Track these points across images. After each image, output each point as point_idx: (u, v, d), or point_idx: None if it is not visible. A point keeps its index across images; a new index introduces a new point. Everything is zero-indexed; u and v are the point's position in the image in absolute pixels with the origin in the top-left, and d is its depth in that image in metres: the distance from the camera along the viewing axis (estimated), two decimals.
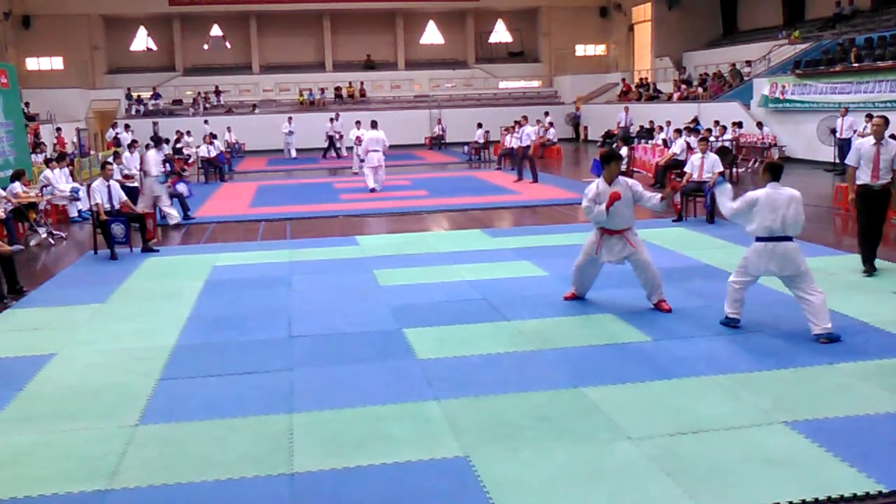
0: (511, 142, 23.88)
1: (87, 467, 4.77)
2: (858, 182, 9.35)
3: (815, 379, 5.92)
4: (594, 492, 4.33)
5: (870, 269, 9.12)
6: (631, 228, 7.91)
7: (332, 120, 30.82)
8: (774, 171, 6.99)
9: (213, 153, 23.34)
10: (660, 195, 8.00)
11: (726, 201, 7.15)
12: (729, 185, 7.45)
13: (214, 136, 24.95)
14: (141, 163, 15.90)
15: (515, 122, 28.36)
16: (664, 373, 6.11)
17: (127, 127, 30.88)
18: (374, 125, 19.63)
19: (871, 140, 9.27)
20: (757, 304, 7.95)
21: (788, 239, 6.83)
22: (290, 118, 31.66)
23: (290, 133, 30.77)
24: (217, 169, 23.40)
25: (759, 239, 6.91)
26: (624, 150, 16.75)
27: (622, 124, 29.81)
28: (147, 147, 15.43)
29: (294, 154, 30.70)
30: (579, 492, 4.33)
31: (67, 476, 4.66)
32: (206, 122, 30.81)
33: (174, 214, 14.54)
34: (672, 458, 4.66)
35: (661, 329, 7.21)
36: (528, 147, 20.37)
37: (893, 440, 4.85)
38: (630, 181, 7.93)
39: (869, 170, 9.18)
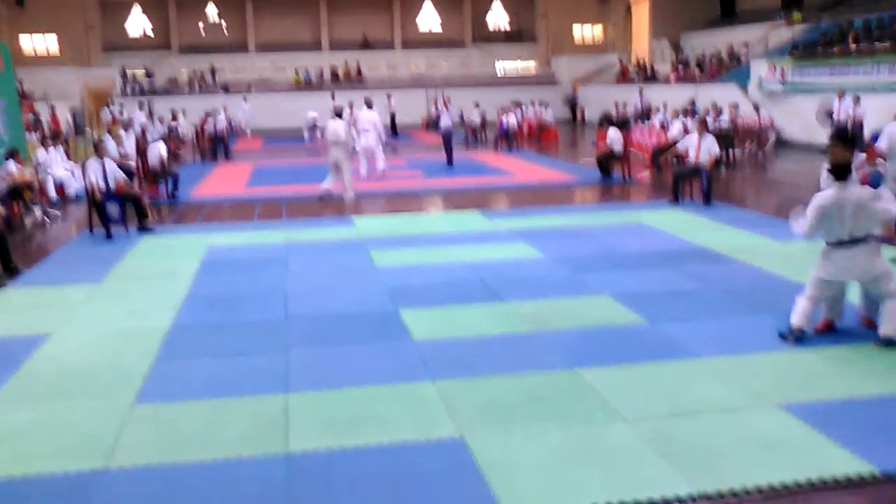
0: (506, 123, 23.94)
1: (83, 446, 4.77)
2: None
3: (811, 362, 5.93)
4: (589, 473, 4.34)
5: None
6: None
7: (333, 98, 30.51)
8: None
9: (222, 125, 23.57)
10: None
11: None
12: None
13: (209, 115, 24.92)
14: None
15: (512, 102, 28.45)
16: (659, 355, 6.13)
17: (122, 106, 30.76)
18: (368, 105, 17.93)
19: None
20: (756, 287, 7.98)
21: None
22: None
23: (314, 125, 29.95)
24: (224, 146, 23.52)
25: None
26: (612, 132, 16.60)
27: (638, 106, 28.64)
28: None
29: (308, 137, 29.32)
30: (574, 473, 4.35)
31: (64, 454, 4.67)
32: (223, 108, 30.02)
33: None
34: (667, 440, 4.68)
35: (657, 311, 7.22)
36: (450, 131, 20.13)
37: (888, 423, 4.87)
38: None
39: None
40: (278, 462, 4.55)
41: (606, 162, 16.62)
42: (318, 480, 4.34)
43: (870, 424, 4.85)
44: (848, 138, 6.74)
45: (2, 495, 4.25)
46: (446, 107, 21.15)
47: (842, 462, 4.37)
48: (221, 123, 23.86)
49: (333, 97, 30.79)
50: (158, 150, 15.52)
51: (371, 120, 17.39)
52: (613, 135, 16.60)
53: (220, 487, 4.29)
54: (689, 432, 4.79)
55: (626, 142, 18.38)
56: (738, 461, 4.41)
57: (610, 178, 16.41)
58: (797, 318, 6.34)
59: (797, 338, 6.32)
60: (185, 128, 26.68)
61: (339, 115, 15.24)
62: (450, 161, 19.69)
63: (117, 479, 4.41)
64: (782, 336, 6.39)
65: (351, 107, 22.84)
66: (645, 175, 15.61)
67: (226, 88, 36.81)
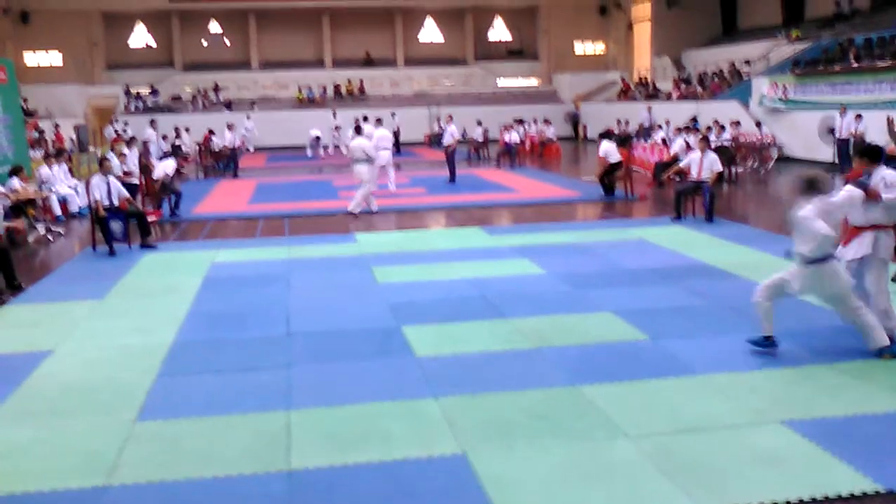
0: (507, 139, 24.04)
1: (85, 463, 4.77)
2: None
3: (813, 378, 5.92)
4: (591, 490, 4.33)
5: None
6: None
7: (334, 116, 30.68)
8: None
9: (237, 142, 23.77)
10: None
11: None
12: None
13: (230, 127, 25.15)
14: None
15: (515, 120, 28.55)
16: (661, 371, 6.12)
17: (126, 124, 30.88)
18: (379, 122, 19.02)
19: None
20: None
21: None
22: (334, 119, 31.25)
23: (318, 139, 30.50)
24: (232, 162, 23.78)
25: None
26: (604, 144, 16.60)
27: (645, 125, 28.32)
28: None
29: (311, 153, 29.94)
30: (576, 490, 4.34)
31: (65, 472, 4.66)
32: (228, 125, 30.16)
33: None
34: (669, 457, 4.67)
35: (659, 328, 7.21)
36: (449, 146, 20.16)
37: (891, 439, 4.85)
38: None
39: None
40: (280, 479, 4.54)
41: (608, 178, 16.63)
42: (320, 497, 4.33)
43: (873, 441, 4.83)
44: (875, 152, 6.74)
45: None
46: (449, 123, 21.16)
47: (845, 479, 4.35)
48: (231, 140, 24.02)
49: (335, 115, 30.92)
50: (168, 166, 15.67)
51: (386, 137, 17.66)
52: (607, 147, 16.64)
53: None
54: (691, 449, 4.78)
55: (628, 159, 18.43)
56: (740, 478, 4.40)
57: (612, 196, 16.42)
58: (766, 327, 6.40)
59: (771, 345, 6.38)
60: (189, 145, 26.78)
61: (359, 131, 15.74)
62: (452, 178, 19.77)
63: (119, 495, 4.40)
64: (755, 343, 6.45)
65: (357, 122, 23.00)
66: (645, 193, 15.61)
67: (229, 105, 36.94)
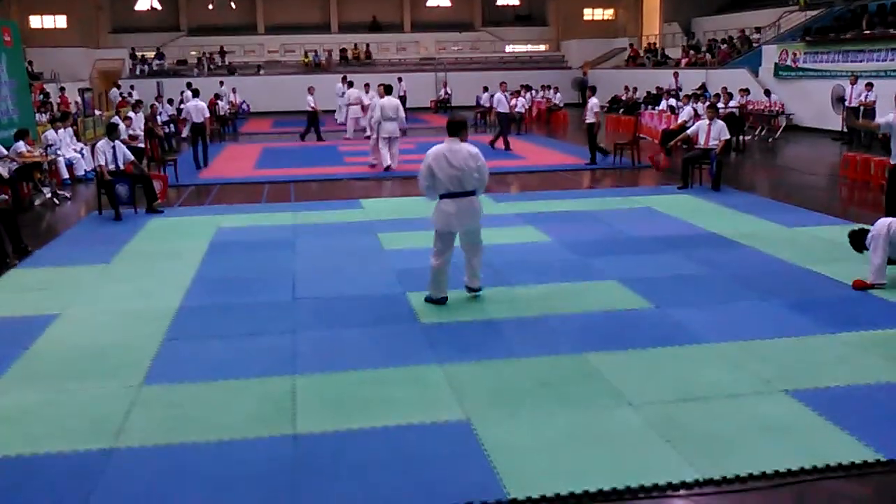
0: (515, 107, 23.80)
1: (92, 426, 4.81)
2: (893, 161, 8.86)
3: (818, 348, 5.92)
4: (594, 457, 4.35)
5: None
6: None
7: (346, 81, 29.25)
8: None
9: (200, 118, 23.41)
10: None
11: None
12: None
13: (219, 97, 24.84)
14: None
15: (522, 86, 28.32)
16: (667, 340, 6.12)
17: (132, 87, 30.70)
18: (387, 90, 16.48)
19: None
20: (764, 273, 7.96)
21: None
22: (349, 82, 26.64)
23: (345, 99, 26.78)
24: (232, 126, 23.52)
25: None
26: (592, 101, 16.72)
27: (672, 90, 26.36)
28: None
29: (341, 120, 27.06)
30: (579, 456, 4.36)
31: (73, 434, 4.70)
32: (221, 83, 30.04)
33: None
34: (673, 425, 4.68)
35: (665, 296, 7.21)
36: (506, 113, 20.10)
37: (893, 410, 4.86)
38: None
39: None
40: (285, 443, 4.57)
41: (592, 142, 16.69)
42: (325, 461, 4.36)
43: (876, 411, 4.85)
44: None
45: (11, 474, 4.29)
46: (503, 91, 20.46)
47: (848, 449, 4.37)
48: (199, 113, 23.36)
49: (345, 80, 30.58)
50: (203, 109, 17.32)
51: (393, 106, 15.92)
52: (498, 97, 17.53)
53: (228, 468, 4.31)
54: (696, 418, 4.79)
55: (636, 127, 18.34)
56: (743, 447, 4.42)
57: (606, 158, 16.60)
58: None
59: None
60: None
61: (388, 91, 16.25)
62: (507, 146, 19.28)
63: (125, 458, 4.43)
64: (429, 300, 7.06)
65: (366, 88, 22.78)
66: (659, 159, 15.52)
67: (231, 70, 36.71)
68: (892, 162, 8.98)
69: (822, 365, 5.59)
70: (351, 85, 23.87)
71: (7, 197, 10.84)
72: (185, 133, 17.72)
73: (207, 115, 18.18)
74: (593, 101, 16.60)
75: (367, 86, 23.23)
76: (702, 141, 13.14)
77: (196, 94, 19.54)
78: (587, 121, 16.61)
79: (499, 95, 20.40)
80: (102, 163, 11.54)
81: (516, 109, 24.10)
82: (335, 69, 36.06)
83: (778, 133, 21.61)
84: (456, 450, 4.46)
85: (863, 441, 4.44)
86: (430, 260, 7.11)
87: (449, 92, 33.96)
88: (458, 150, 6.86)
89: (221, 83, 29.50)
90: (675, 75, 27.99)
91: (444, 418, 4.85)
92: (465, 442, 4.54)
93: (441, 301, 7.08)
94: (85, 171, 15.61)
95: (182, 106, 25.41)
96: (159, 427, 4.79)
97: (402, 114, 15.95)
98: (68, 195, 13.79)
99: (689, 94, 21.12)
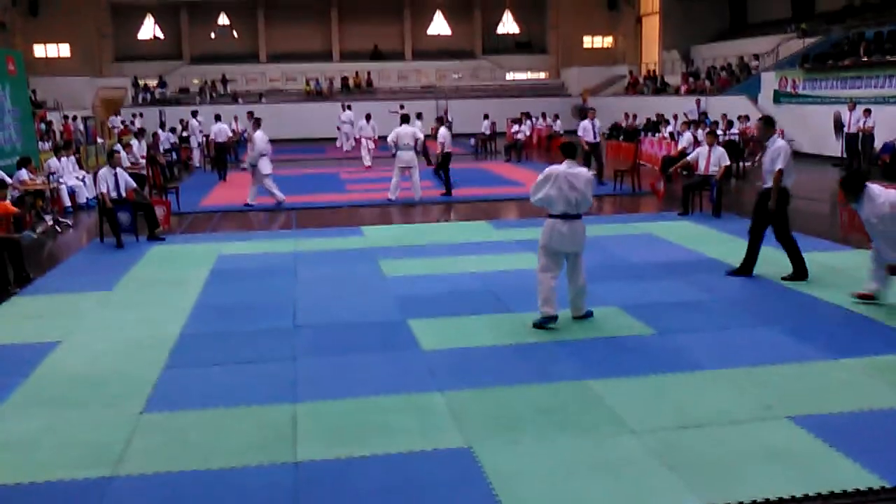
0: (517, 134, 23.91)
1: (92, 454, 4.79)
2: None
3: (820, 374, 5.91)
4: (596, 484, 4.33)
5: None
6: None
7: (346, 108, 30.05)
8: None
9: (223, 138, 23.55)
10: None
11: None
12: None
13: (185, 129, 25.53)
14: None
15: (522, 114, 28.45)
16: (668, 366, 6.11)
17: (135, 115, 30.86)
18: (404, 119, 16.31)
19: None
20: (765, 299, 7.96)
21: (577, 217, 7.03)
22: (347, 105, 29.55)
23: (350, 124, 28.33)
24: (234, 153, 24.09)
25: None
26: (583, 124, 17.07)
27: (692, 117, 24.89)
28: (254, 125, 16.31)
29: (346, 147, 28.22)
30: (581, 484, 4.34)
31: (73, 462, 4.69)
32: (193, 112, 29.94)
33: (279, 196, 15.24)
34: (675, 452, 4.66)
35: (666, 322, 7.20)
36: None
37: None
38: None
39: None
40: (286, 471, 4.55)
41: (587, 161, 16.74)
42: (326, 490, 4.34)
43: (881, 437, 4.82)
44: None
45: (11, 502, 4.27)
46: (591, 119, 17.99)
47: (851, 475, 4.34)
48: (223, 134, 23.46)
49: (344, 108, 30.78)
50: (226, 130, 19.93)
51: (409, 134, 15.65)
52: (584, 126, 17.20)
53: (228, 496, 4.30)
54: (698, 444, 4.77)
55: (636, 154, 18.40)
56: (746, 473, 4.39)
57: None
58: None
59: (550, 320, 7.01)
60: (197, 131, 26.64)
61: (405, 121, 16.18)
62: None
63: (125, 486, 4.41)
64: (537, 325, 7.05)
65: (368, 119, 23.31)
66: (659, 187, 15.60)
67: (235, 98, 36.94)
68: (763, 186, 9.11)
69: (825, 390, 5.57)
70: (369, 118, 24.17)
71: (35, 235, 10.87)
72: (210, 152, 22.44)
73: (230, 134, 22.39)
74: (584, 124, 17.27)
75: (369, 116, 23.61)
76: (702, 167, 13.19)
77: (218, 118, 22.44)
78: (587, 140, 17.00)
79: (586, 123, 18.24)
80: (104, 190, 11.59)
81: (517, 137, 24.22)
82: (336, 97, 36.28)
83: None
84: (457, 477, 4.44)
85: (867, 468, 4.41)
86: (538, 275, 7.13)
87: (450, 119, 34.06)
88: (578, 173, 7.02)
89: (194, 113, 27.23)
90: (698, 102, 27.44)
91: (445, 445, 4.83)
92: (467, 469, 4.52)
93: (552, 319, 7.07)
94: (87, 198, 15.65)
95: (200, 129, 25.58)
96: (160, 455, 4.78)
97: (420, 140, 16.28)
98: (70, 223, 13.82)
99: (686, 121, 21.18)
